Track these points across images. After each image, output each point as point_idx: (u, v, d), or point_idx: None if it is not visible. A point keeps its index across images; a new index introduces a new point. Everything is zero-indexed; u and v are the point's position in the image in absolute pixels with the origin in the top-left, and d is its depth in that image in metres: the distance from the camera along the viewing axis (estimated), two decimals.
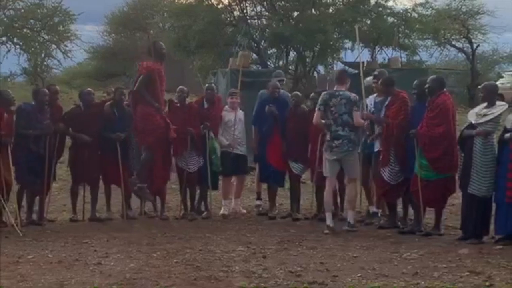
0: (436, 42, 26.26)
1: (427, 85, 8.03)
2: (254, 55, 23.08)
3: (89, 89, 9.94)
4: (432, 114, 7.92)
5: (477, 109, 7.80)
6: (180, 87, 9.70)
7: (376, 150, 8.60)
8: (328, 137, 8.43)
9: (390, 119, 8.30)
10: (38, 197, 9.04)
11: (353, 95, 8.46)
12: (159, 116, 8.85)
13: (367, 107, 8.73)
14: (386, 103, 8.46)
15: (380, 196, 8.68)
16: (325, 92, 8.64)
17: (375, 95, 8.80)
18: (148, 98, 8.80)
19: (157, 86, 8.88)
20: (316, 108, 8.54)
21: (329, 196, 8.51)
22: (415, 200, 8.12)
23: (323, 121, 8.49)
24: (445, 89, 8.17)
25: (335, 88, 8.55)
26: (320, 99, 8.54)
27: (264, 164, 9.60)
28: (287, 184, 9.92)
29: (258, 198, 10.17)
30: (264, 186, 10.09)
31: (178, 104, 9.47)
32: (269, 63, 23.90)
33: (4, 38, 30.12)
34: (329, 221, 8.35)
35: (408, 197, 8.38)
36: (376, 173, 8.55)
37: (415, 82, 8.37)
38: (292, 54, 24.02)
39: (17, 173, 8.77)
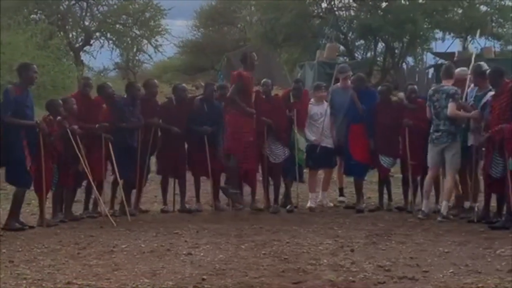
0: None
1: None
2: (342, 47, 22.92)
3: (184, 85, 10.18)
4: None
5: None
6: (264, 80, 9.74)
7: (469, 144, 8.42)
8: (431, 129, 8.69)
9: (498, 110, 8.02)
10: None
11: (452, 89, 8.54)
12: (248, 126, 9.04)
13: (466, 99, 8.60)
14: (491, 93, 8.18)
15: (484, 190, 8.46)
16: (432, 88, 8.92)
17: (475, 88, 8.55)
18: (241, 104, 8.97)
19: (248, 93, 9.12)
20: (426, 104, 8.81)
21: (429, 185, 8.81)
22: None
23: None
24: None
25: (441, 83, 8.77)
26: (428, 94, 8.83)
27: (347, 157, 9.54)
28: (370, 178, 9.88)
29: (341, 194, 10.12)
30: (348, 179, 10.05)
31: (264, 97, 9.53)
32: (356, 55, 23.69)
33: (97, 34, 31.15)
34: (424, 207, 8.68)
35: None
36: (476, 167, 8.38)
37: None
38: (380, 45, 23.74)
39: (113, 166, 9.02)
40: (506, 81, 8.14)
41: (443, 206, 8.52)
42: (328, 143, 9.57)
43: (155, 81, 9.98)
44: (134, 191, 9.32)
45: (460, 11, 22.02)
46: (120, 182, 9.06)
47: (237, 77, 9.13)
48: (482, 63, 8.95)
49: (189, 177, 9.67)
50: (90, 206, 9.06)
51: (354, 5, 23.55)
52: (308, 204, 9.60)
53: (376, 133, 9.32)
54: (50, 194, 8.52)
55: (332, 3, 23.38)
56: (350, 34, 23.42)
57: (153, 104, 9.47)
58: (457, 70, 9.01)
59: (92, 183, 8.63)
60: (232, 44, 34.44)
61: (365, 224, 8.37)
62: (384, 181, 9.55)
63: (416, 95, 9.26)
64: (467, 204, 8.76)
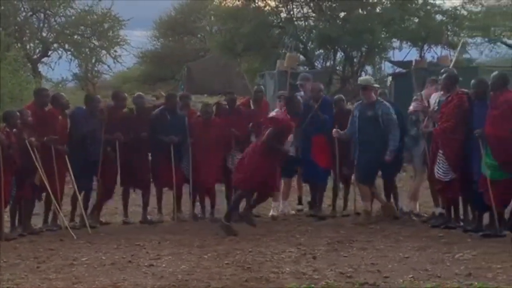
0: (486, 39, 25.72)
1: (490, 82, 7.90)
2: (301, 57, 23.05)
3: (139, 93, 10.17)
4: (498, 112, 7.72)
5: None
6: (229, 94, 9.79)
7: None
8: None
9: (445, 116, 8.21)
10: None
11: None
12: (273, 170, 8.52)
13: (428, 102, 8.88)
14: (444, 98, 8.40)
15: (436, 193, 8.68)
16: None
17: (441, 93, 8.73)
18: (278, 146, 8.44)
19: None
20: None
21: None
22: (486, 201, 7.86)
23: None
24: (508, 87, 8.00)
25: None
26: None
27: (309, 164, 9.56)
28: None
29: (300, 202, 10.16)
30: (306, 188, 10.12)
31: (227, 106, 9.56)
32: (316, 64, 23.84)
33: (55, 45, 30.79)
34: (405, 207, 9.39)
35: (468, 197, 8.33)
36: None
37: (473, 81, 8.23)
38: (340, 55, 23.92)
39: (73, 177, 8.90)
40: (458, 89, 8.32)
41: (405, 204, 9.22)
42: (290, 151, 9.60)
43: (125, 94, 9.91)
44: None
45: (416, 20, 22.38)
46: (80, 194, 8.96)
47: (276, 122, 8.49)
48: (452, 69, 9.26)
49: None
50: (50, 219, 8.93)
51: (313, 15, 23.72)
52: (271, 213, 9.63)
53: (337, 142, 9.43)
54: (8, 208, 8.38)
55: (291, 13, 23.51)
56: (309, 44, 23.57)
57: (121, 116, 9.36)
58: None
59: (52, 196, 8.52)
60: (192, 54, 34.37)
61: (327, 232, 8.43)
62: (346, 188, 9.81)
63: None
64: (436, 211, 8.93)
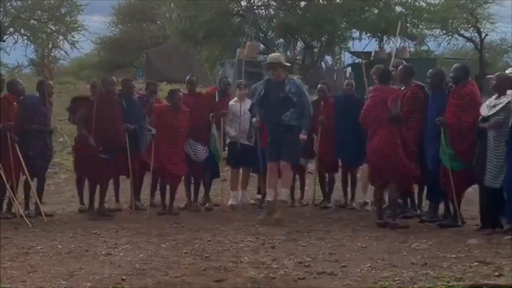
0: (444, 31, 26.09)
1: (451, 74, 7.98)
2: (262, 45, 23.03)
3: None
4: (460, 102, 7.81)
5: (488, 101, 7.69)
6: (190, 77, 9.69)
7: None
8: None
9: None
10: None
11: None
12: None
13: None
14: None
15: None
16: None
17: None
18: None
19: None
20: None
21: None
22: (445, 191, 7.96)
23: None
24: (470, 79, 8.11)
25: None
26: None
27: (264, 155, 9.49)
28: None
29: (259, 192, 10.13)
30: None
31: (187, 92, 9.48)
32: None
33: (11, 29, 30.16)
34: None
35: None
36: None
37: (430, 71, 8.30)
38: (300, 44, 23.96)
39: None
40: (413, 82, 8.38)
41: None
42: (248, 141, 9.58)
43: (113, 78, 9.53)
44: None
45: (376, 11, 22.55)
46: (33, 183, 8.80)
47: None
48: (401, 60, 9.26)
49: None
50: (4, 207, 8.76)
51: (274, 3, 23.71)
52: (230, 202, 9.62)
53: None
54: None
55: (252, 1, 23.46)
56: (269, 33, 23.58)
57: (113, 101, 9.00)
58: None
59: (6, 184, 8.35)
60: (151, 41, 34.07)
61: (285, 221, 8.44)
62: (301, 178, 9.87)
63: (324, 93, 9.45)
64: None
